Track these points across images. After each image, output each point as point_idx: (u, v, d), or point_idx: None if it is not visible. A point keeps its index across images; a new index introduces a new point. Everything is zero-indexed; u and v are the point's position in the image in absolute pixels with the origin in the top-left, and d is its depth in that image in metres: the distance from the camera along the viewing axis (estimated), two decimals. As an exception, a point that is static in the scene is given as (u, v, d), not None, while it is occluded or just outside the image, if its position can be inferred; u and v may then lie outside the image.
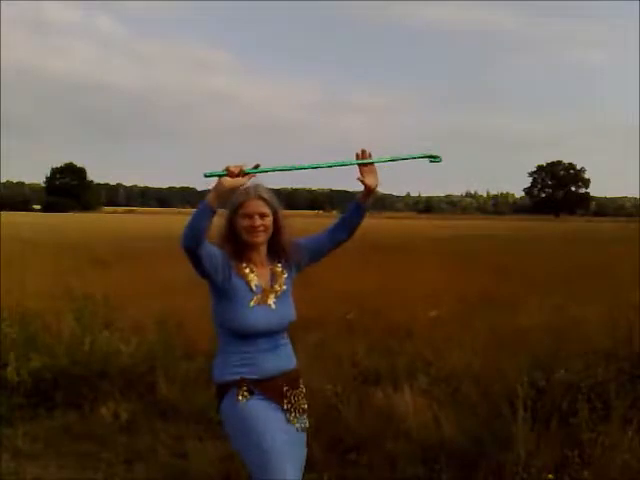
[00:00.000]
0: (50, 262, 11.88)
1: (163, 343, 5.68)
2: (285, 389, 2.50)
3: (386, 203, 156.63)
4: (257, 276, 2.50)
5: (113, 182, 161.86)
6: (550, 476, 3.42)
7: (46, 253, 14.06)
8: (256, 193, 2.47)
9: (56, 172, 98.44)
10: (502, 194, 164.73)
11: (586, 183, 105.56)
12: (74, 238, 20.51)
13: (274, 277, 2.55)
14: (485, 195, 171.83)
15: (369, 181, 2.54)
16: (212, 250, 2.38)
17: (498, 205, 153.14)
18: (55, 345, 5.58)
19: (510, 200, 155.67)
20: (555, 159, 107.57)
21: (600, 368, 4.43)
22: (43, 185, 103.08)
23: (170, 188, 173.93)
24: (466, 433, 3.87)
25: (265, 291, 2.50)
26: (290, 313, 2.57)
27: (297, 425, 2.51)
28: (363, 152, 2.53)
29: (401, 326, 6.42)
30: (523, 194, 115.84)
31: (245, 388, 2.42)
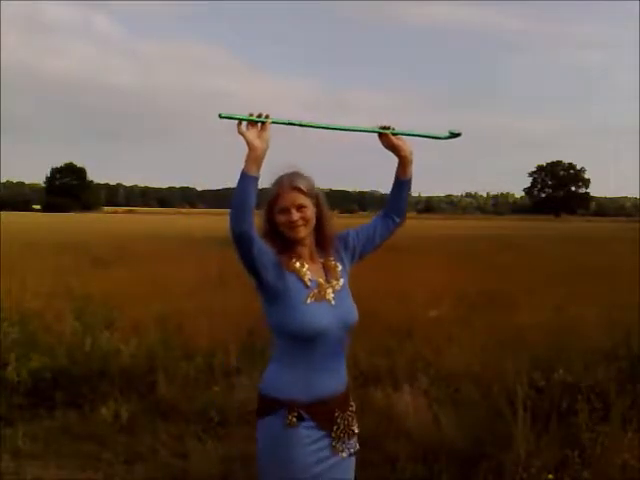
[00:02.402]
0: (50, 262, 11.88)
1: (163, 343, 5.69)
2: (337, 414, 2.22)
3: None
4: (310, 271, 2.23)
5: (113, 182, 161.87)
6: (550, 476, 3.42)
7: (46, 253, 14.06)
8: (290, 183, 2.21)
9: (56, 172, 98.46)
10: (502, 194, 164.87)
11: (586, 183, 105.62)
12: (74, 238, 20.50)
13: (328, 271, 2.27)
14: (485, 195, 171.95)
15: (402, 146, 2.33)
16: (261, 242, 2.14)
17: (498, 205, 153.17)
18: (55, 345, 5.59)
19: (510, 200, 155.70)
20: (555, 159, 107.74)
21: (600, 368, 4.43)
22: (43, 185, 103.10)
23: (170, 188, 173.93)
24: (466, 433, 3.87)
25: (321, 286, 2.21)
26: (352, 309, 2.27)
27: (344, 453, 2.24)
28: (385, 127, 2.34)
29: (401, 326, 6.42)
30: (523, 194, 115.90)
31: (295, 413, 2.14)
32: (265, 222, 2.24)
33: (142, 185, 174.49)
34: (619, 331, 5.36)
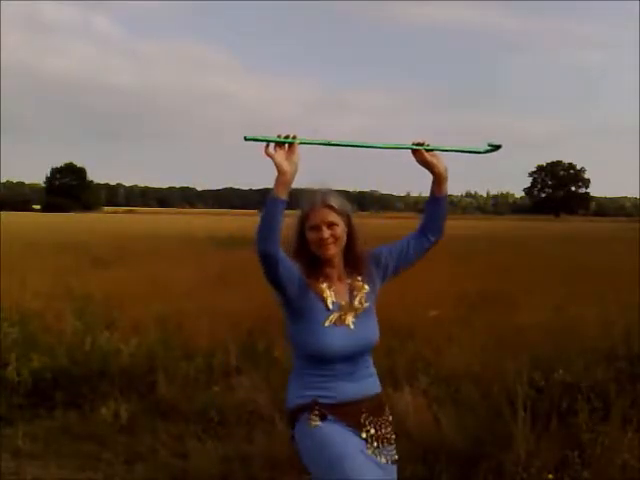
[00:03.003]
0: (50, 262, 11.88)
1: (163, 343, 5.69)
2: (364, 416, 2.20)
3: (386, 203, 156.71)
4: (335, 292, 2.24)
5: (113, 182, 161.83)
6: (550, 476, 3.42)
7: (46, 253, 14.06)
8: (322, 201, 2.22)
9: (56, 172, 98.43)
10: (502, 194, 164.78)
11: (586, 183, 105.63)
12: (74, 238, 20.49)
13: (353, 293, 2.28)
14: (485, 195, 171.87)
15: (436, 163, 2.31)
16: (287, 260, 2.15)
17: (498, 205, 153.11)
18: (55, 345, 5.59)
19: (510, 200, 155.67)
20: (555, 159, 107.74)
21: (600, 368, 4.43)
22: (43, 185, 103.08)
23: (170, 188, 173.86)
24: (466, 433, 3.87)
25: (343, 309, 2.23)
26: (372, 334, 2.27)
27: (382, 459, 2.21)
28: (419, 143, 2.32)
29: (401, 326, 6.41)
30: (523, 194, 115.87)
31: (317, 412, 2.16)
32: (296, 239, 2.25)
33: (142, 185, 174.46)
34: (619, 331, 5.36)
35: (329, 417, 2.15)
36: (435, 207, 2.37)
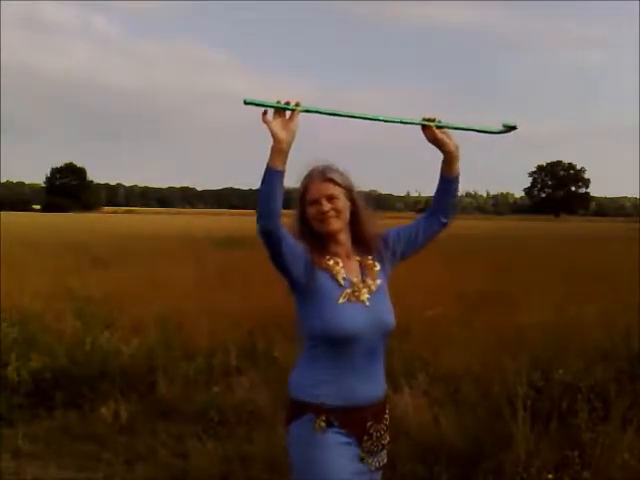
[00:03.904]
0: (50, 262, 11.88)
1: (163, 343, 5.69)
2: (369, 424, 2.08)
3: (386, 203, 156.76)
4: (345, 269, 2.09)
5: (113, 182, 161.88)
6: (550, 476, 3.41)
7: (46, 253, 14.06)
8: (321, 174, 2.10)
9: (56, 172, 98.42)
10: (502, 194, 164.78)
11: (586, 183, 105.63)
12: (74, 238, 20.49)
13: (365, 270, 2.13)
14: (485, 195, 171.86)
15: (447, 141, 2.15)
16: (290, 239, 2.01)
17: (498, 205, 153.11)
18: (55, 345, 5.59)
19: (510, 200, 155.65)
20: (555, 159, 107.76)
21: (599, 368, 4.43)
22: (43, 185, 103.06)
23: (170, 188, 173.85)
24: (466, 433, 3.87)
25: (356, 285, 2.08)
26: (389, 313, 2.13)
27: (373, 465, 2.11)
28: (430, 119, 2.16)
29: (400, 326, 6.40)
30: (523, 194, 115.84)
31: (324, 417, 2.01)
32: (297, 218, 2.12)
33: (142, 185, 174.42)
34: (619, 331, 5.36)
35: (335, 424, 2.02)
36: (446, 188, 2.21)
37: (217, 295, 8.04)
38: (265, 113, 1.93)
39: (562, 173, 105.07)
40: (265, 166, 1.93)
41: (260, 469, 3.83)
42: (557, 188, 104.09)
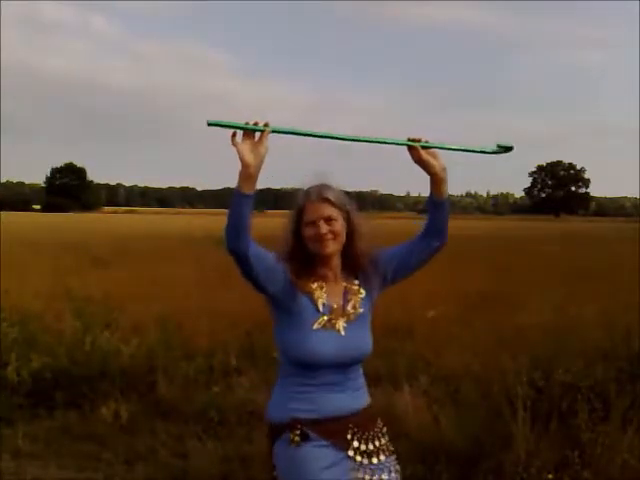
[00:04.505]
0: (50, 262, 11.88)
1: (163, 343, 5.68)
2: (352, 433, 2.03)
3: (386, 203, 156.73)
4: (327, 294, 2.06)
5: (113, 182, 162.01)
6: (550, 476, 3.41)
7: (46, 253, 14.07)
8: (318, 194, 2.03)
9: (56, 172, 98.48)
10: (502, 194, 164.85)
11: (586, 183, 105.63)
12: (74, 238, 20.50)
13: (347, 297, 2.09)
14: (485, 195, 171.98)
15: (432, 163, 2.05)
16: (267, 259, 1.98)
17: (498, 205, 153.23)
18: (55, 345, 5.59)
19: (510, 200, 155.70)
20: (555, 159, 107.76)
21: (600, 368, 4.43)
22: (43, 185, 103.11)
23: (170, 188, 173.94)
24: (466, 433, 3.87)
25: (334, 312, 2.05)
26: (364, 343, 2.08)
27: (384, 474, 2.04)
28: (415, 139, 2.07)
29: (403, 327, 6.42)
30: (523, 194, 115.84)
31: (298, 432, 1.99)
32: (290, 236, 2.07)
33: (142, 185, 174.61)
34: (619, 331, 5.36)
35: (311, 435, 1.99)
36: (435, 211, 2.13)
37: (217, 295, 8.04)
38: (234, 135, 1.86)
39: (562, 173, 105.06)
40: (234, 190, 1.90)
41: (260, 469, 3.83)
42: (557, 188, 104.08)
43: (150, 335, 5.92)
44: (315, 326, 2.01)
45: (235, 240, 1.90)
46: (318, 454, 1.98)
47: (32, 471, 3.96)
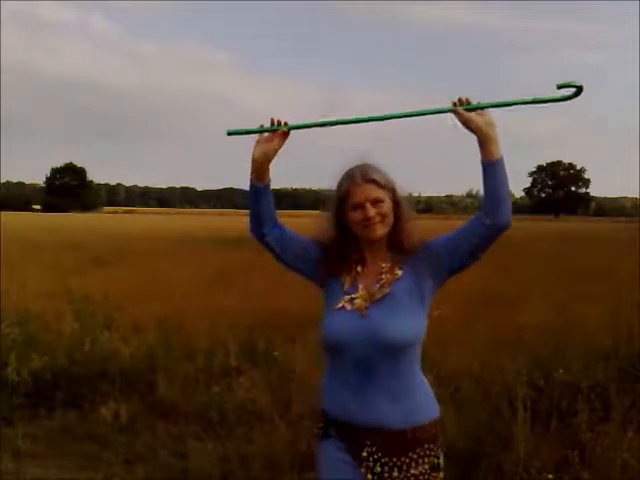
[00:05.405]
0: (50, 262, 11.88)
1: (163, 343, 5.69)
2: (367, 451, 1.83)
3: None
4: (360, 276, 1.93)
5: (113, 182, 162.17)
6: (550, 476, 3.41)
7: (46, 253, 14.06)
8: (363, 175, 1.90)
9: (56, 172, 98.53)
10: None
11: (586, 183, 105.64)
12: (74, 238, 20.49)
13: (379, 276, 1.91)
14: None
15: (472, 118, 1.82)
16: (296, 244, 1.99)
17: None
18: (55, 345, 5.59)
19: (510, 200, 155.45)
20: (555, 159, 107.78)
21: (600, 368, 4.43)
22: (43, 185, 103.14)
23: (170, 188, 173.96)
24: (466, 433, 3.86)
25: (359, 292, 1.90)
26: (390, 329, 1.81)
27: None
28: (460, 100, 1.86)
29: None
30: (523, 194, 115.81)
31: (321, 424, 1.93)
32: (334, 223, 1.96)
33: (142, 185, 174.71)
34: (619, 331, 5.36)
35: (332, 434, 1.89)
36: (484, 179, 1.83)
37: (217, 295, 8.04)
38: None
39: (562, 173, 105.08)
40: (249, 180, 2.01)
41: (260, 469, 3.83)
42: (557, 188, 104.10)
43: (150, 335, 5.92)
44: (337, 305, 1.90)
45: (252, 226, 2.02)
46: (333, 455, 1.89)
47: (32, 471, 3.96)
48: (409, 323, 1.85)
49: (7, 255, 11.95)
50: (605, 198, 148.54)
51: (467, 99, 1.85)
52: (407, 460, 1.83)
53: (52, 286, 8.75)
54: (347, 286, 1.92)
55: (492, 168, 1.82)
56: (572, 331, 5.60)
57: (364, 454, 1.84)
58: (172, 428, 4.49)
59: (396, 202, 1.93)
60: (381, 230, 1.90)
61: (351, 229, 1.94)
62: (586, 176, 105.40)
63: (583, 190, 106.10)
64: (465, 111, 1.83)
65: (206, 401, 4.66)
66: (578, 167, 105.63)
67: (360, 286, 1.91)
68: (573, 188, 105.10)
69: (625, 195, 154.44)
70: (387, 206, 1.90)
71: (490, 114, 1.84)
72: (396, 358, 1.83)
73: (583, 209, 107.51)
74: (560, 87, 1.82)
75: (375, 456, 1.83)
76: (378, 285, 1.90)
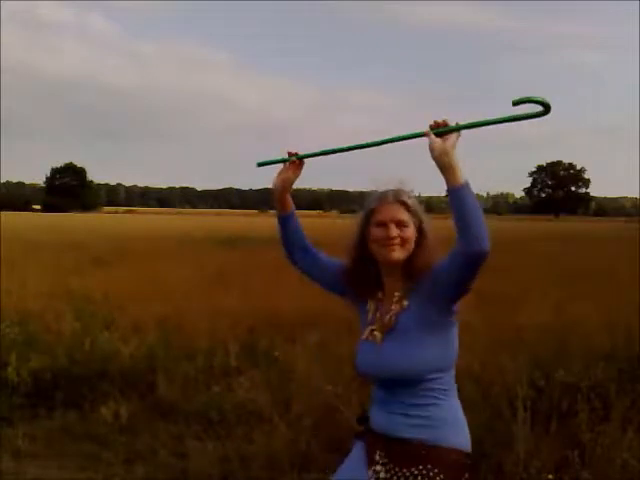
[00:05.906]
0: (50, 262, 11.88)
1: (163, 343, 5.69)
2: (378, 454, 1.92)
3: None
4: (379, 303, 1.97)
5: (113, 182, 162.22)
6: (550, 476, 3.41)
7: (46, 253, 14.06)
8: (395, 196, 1.91)
9: (56, 172, 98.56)
10: (502, 194, 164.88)
11: (586, 183, 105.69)
12: (74, 238, 20.49)
13: (391, 308, 1.93)
14: (485, 195, 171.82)
15: (432, 149, 1.78)
16: (327, 269, 2.09)
17: (498, 205, 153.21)
18: (55, 345, 5.59)
19: (510, 200, 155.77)
20: (555, 159, 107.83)
21: (600, 368, 4.43)
22: (43, 185, 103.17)
23: (170, 188, 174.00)
24: (466, 433, 3.86)
25: (377, 323, 1.95)
26: (402, 360, 1.85)
27: None
28: (437, 123, 1.81)
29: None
30: (523, 194, 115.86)
31: (360, 431, 2.05)
32: (356, 242, 1.96)
33: (142, 185, 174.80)
34: (619, 331, 5.36)
35: (362, 439, 2.02)
36: (451, 206, 1.76)
37: (217, 295, 8.04)
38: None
39: (562, 173, 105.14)
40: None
41: (260, 469, 3.83)
42: (557, 188, 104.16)
43: (150, 335, 5.92)
44: (363, 337, 1.99)
45: (285, 252, 2.18)
46: (356, 455, 2.02)
47: (32, 471, 3.96)
48: (417, 357, 1.86)
49: (7, 255, 11.95)
50: (605, 198, 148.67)
51: (444, 121, 1.80)
52: (415, 472, 1.85)
53: (52, 286, 8.74)
54: (370, 314, 1.99)
55: (455, 194, 1.75)
56: (572, 331, 5.60)
57: (376, 457, 1.93)
58: (172, 428, 4.49)
59: (420, 231, 1.92)
60: (399, 253, 1.88)
61: (370, 248, 1.94)
62: (586, 176, 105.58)
63: (583, 190, 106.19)
64: (435, 135, 1.79)
65: (206, 401, 4.66)
66: (578, 167, 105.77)
67: (378, 316, 1.96)
68: (573, 188, 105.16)
69: (625, 195, 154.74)
70: (411, 231, 1.90)
71: (452, 140, 1.78)
72: (413, 386, 1.88)
73: (583, 209, 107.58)
74: (516, 104, 1.71)
75: (383, 460, 1.91)
76: (388, 316, 1.93)
